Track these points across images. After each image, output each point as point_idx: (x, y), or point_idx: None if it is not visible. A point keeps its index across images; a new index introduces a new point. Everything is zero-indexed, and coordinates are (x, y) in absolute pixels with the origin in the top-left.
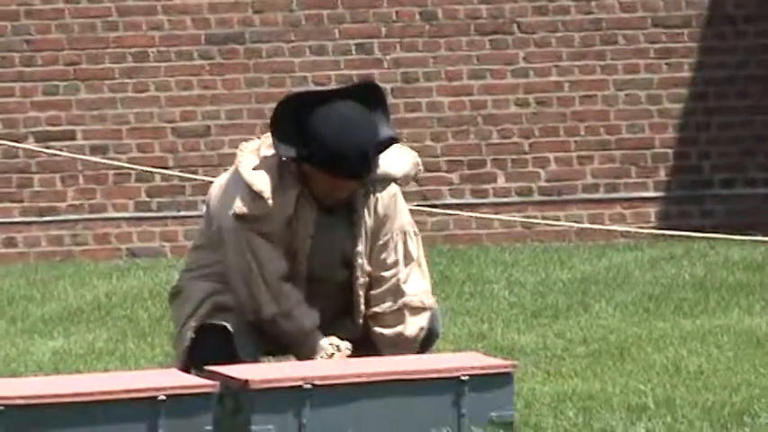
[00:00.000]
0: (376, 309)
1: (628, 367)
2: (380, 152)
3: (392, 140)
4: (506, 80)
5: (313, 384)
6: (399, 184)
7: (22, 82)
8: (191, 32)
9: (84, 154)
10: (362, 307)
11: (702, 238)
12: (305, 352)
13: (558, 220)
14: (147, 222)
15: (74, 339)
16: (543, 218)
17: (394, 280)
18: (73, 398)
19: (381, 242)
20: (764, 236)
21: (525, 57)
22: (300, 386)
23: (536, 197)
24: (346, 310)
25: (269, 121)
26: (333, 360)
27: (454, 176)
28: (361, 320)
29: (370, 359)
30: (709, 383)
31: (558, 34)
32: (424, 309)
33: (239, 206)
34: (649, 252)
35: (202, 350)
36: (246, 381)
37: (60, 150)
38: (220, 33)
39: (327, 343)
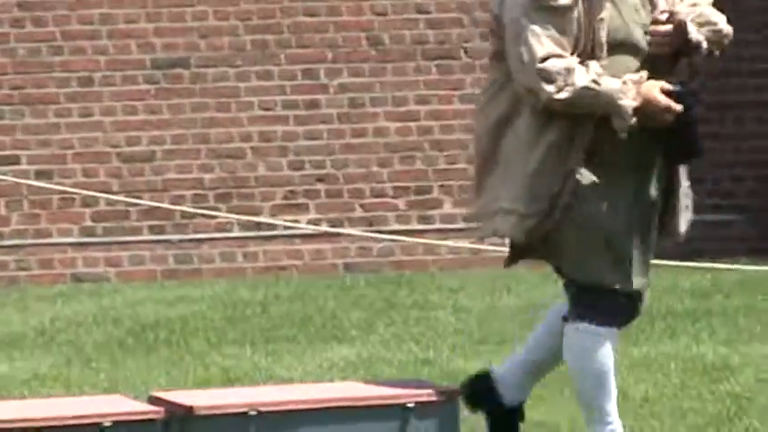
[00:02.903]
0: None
1: (574, 395)
2: None
3: None
4: (453, 106)
5: (258, 411)
6: None
7: None
8: (136, 57)
9: (29, 179)
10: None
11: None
12: (605, 103)
13: (506, 246)
14: (92, 248)
15: (18, 365)
16: (490, 244)
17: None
18: (18, 423)
19: None
20: (712, 263)
21: (472, 82)
22: (245, 412)
23: None
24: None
25: None
26: (280, 387)
27: (400, 202)
28: None
29: (315, 386)
30: (655, 411)
31: None
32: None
33: None
34: None
35: None
36: (191, 407)
37: (5, 175)
38: (166, 58)
39: (620, 83)
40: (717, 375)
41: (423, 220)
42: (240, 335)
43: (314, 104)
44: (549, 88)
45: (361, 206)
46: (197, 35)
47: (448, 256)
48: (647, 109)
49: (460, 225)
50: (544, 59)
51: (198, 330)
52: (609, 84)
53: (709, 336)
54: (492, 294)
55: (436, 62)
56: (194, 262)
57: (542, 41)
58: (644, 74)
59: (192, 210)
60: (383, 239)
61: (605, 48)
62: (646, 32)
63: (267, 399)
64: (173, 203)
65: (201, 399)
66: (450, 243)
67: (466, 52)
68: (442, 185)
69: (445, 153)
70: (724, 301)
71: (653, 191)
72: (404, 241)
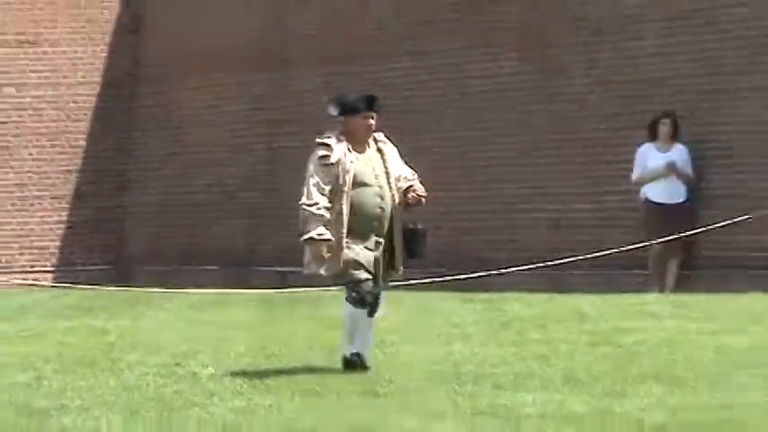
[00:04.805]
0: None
1: None
2: (376, 102)
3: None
4: None
5: None
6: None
7: None
8: None
9: None
10: (395, 191)
11: None
12: (311, 228)
13: None
14: None
15: None
16: None
17: (408, 176)
18: None
19: (401, 165)
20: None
21: None
22: None
23: None
24: (379, 203)
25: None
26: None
27: None
28: (394, 195)
29: None
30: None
31: None
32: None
33: (321, 152)
34: None
35: None
36: None
37: None
38: None
39: (318, 229)
40: None
41: None
42: None
43: None
44: (305, 200)
45: None
46: None
47: None
48: (313, 249)
49: None
50: (320, 191)
51: None
52: (319, 228)
53: None
54: None
55: None
56: None
57: (318, 188)
58: (329, 236)
59: None
60: None
61: (350, 184)
62: (376, 176)
63: None
64: None
65: None
66: None
67: None
68: None
69: None
70: None
71: (381, 246)
72: None
